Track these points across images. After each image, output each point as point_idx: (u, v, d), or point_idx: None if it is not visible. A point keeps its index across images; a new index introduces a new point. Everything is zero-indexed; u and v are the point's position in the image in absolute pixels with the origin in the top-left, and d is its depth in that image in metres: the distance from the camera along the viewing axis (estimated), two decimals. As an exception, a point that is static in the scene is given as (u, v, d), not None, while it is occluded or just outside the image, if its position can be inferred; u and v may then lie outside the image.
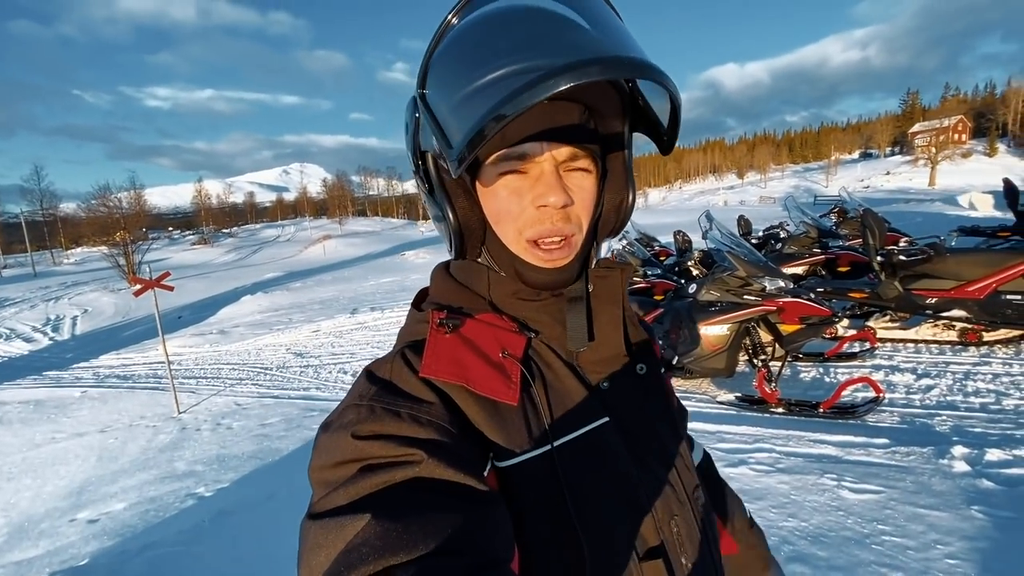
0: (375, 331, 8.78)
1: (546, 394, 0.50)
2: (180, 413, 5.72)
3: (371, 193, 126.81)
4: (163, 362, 6.97)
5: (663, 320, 4.30)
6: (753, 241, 7.81)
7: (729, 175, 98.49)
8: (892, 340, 4.76)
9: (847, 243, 6.63)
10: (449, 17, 0.48)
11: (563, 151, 0.49)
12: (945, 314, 4.38)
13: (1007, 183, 6.69)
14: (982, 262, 4.28)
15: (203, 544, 2.92)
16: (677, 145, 0.55)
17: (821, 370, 4.33)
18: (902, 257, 4.59)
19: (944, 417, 3.25)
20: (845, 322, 5.17)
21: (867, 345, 4.50)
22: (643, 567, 0.48)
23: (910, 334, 4.73)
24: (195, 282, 23.69)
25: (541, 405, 0.49)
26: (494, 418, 0.47)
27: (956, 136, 62.50)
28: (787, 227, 8.15)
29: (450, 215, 0.52)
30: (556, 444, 0.48)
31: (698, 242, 6.56)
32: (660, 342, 4.08)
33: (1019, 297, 4.07)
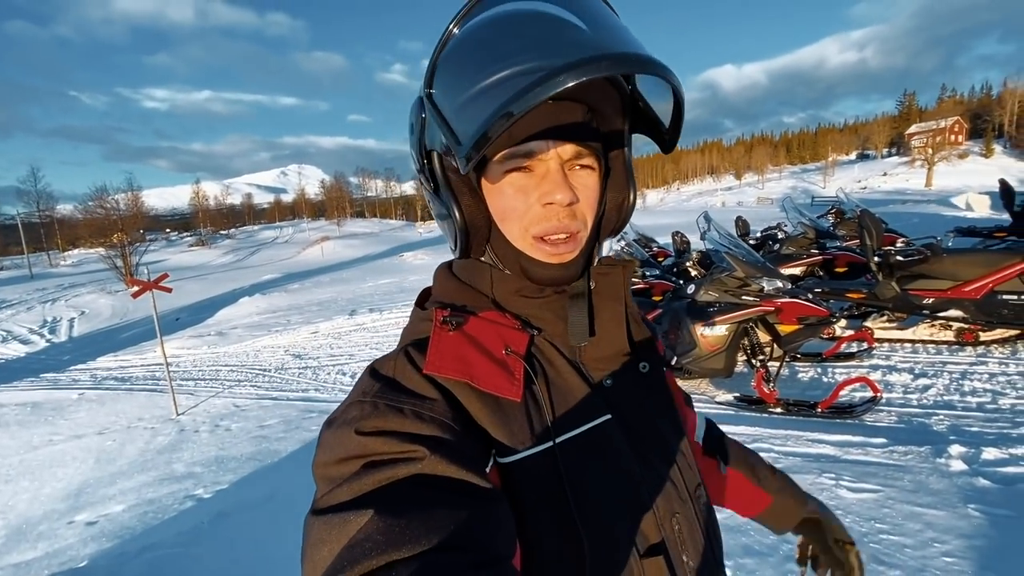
0: (373, 332, 8.77)
1: (548, 391, 0.51)
2: (178, 415, 5.71)
3: (369, 194, 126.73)
4: (161, 364, 6.95)
5: (661, 321, 4.31)
6: (751, 242, 7.83)
7: (727, 176, 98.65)
8: (889, 340, 4.78)
9: (844, 244, 6.65)
10: (457, 17, 0.49)
11: (568, 149, 0.50)
12: (942, 314, 4.40)
13: (1003, 184, 6.73)
14: (978, 262, 4.31)
15: (202, 546, 2.91)
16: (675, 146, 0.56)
17: (819, 370, 4.34)
18: (899, 258, 4.61)
19: (941, 416, 3.26)
20: (843, 322, 5.19)
21: (865, 345, 4.52)
22: (644, 564, 0.49)
23: (907, 334, 4.75)
24: (193, 284, 23.65)
25: (544, 402, 0.50)
26: (497, 414, 0.48)
27: (952, 137, 62.66)
28: (785, 228, 8.18)
29: (456, 213, 0.52)
30: (558, 441, 0.48)
31: (696, 243, 6.58)
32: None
33: (1015, 297, 4.09)
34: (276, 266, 30.85)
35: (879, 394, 3.40)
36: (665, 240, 8.41)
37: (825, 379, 4.17)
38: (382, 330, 8.82)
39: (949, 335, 4.56)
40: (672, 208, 49.41)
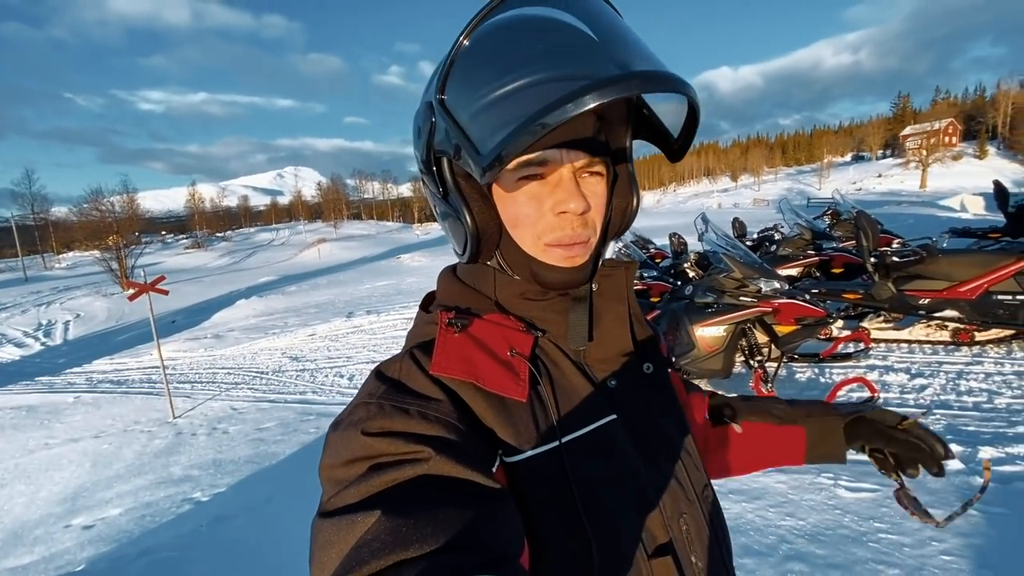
0: (371, 334, 8.75)
1: (553, 391, 0.51)
2: (175, 418, 5.68)
3: (366, 196, 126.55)
4: (157, 367, 6.92)
5: (660, 322, 4.32)
6: (748, 243, 7.85)
7: (723, 178, 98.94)
8: (886, 340, 4.80)
9: (841, 245, 6.68)
10: (473, 22, 0.48)
11: (580, 157, 0.50)
12: (938, 314, 4.42)
13: (997, 185, 6.78)
14: (974, 263, 4.33)
15: (201, 549, 2.90)
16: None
17: (816, 370, 4.35)
18: (895, 258, 4.64)
19: (938, 416, 3.28)
20: (839, 323, 5.20)
21: (861, 346, 4.54)
22: (652, 564, 0.49)
23: (904, 334, 4.77)
24: (189, 286, 23.56)
25: (549, 402, 0.50)
26: (502, 414, 0.48)
27: (946, 139, 63.07)
28: (781, 229, 8.22)
29: (468, 219, 0.52)
30: (564, 441, 0.49)
31: (693, 244, 6.60)
32: (657, 343, 4.09)
33: (1010, 297, 4.12)
34: (273, 268, 30.78)
35: (876, 394, 3.37)
36: (662, 242, 8.42)
37: (822, 379, 4.18)
38: (380, 332, 8.80)
39: (945, 335, 4.58)
40: (669, 210, 49.54)
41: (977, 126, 68.13)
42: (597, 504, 0.48)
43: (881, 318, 4.94)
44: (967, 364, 4.06)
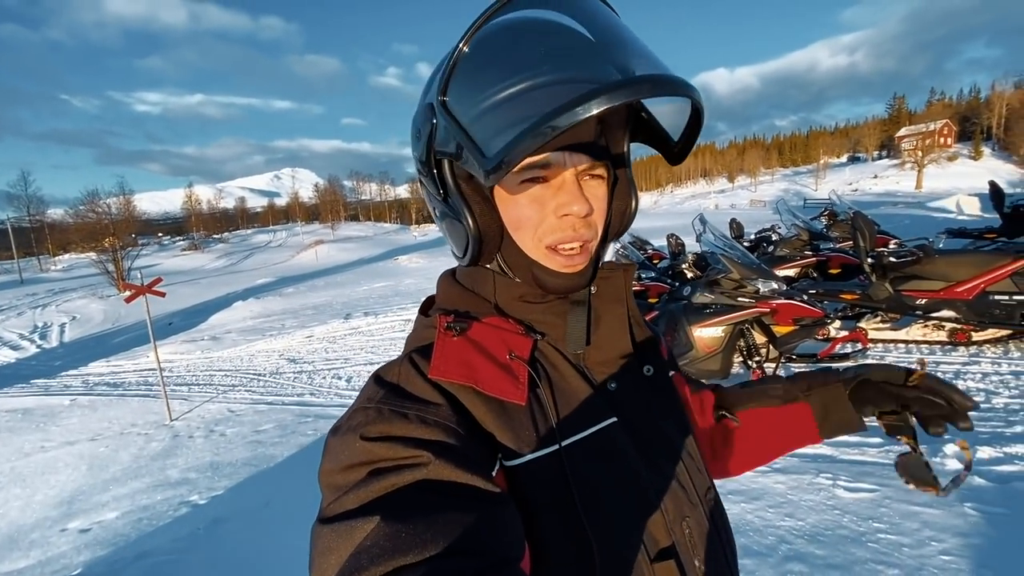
0: (369, 336, 8.73)
1: (553, 394, 0.51)
2: (172, 420, 5.66)
3: (363, 198, 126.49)
4: (154, 369, 6.89)
5: (658, 323, 4.33)
6: (745, 244, 7.87)
7: (720, 179, 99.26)
8: (883, 341, 4.81)
9: (838, 245, 6.70)
10: (476, 24, 0.47)
11: (583, 160, 0.50)
12: (935, 315, 4.44)
13: (993, 186, 6.82)
14: (970, 263, 4.35)
15: (198, 552, 2.89)
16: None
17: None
18: (892, 259, 4.65)
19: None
20: (837, 323, 5.21)
21: (859, 346, 4.55)
22: (655, 568, 0.49)
23: (901, 335, 4.79)
24: (186, 288, 23.48)
25: (548, 405, 0.50)
26: (502, 418, 0.48)
27: (942, 140, 63.39)
28: (778, 230, 8.24)
29: (469, 221, 0.51)
30: (564, 444, 0.48)
31: (691, 245, 6.61)
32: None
33: (1007, 297, 4.14)
34: (270, 270, 30.72)
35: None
36: (660, 243, 8.43)
37: (820, 380, 4.19)
38: (377, 334, 8.79)
39: (942, 335, 4.60)
40: (666, 211, 49.67)
41: (972, 127, 68.48)
42: (598, 507, 0.47)
43: (878, 318, 4.95)
44: (964, 364, 4.08)
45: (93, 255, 27.85)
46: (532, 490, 0.46)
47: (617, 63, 0.45)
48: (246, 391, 6.57)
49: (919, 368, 0.65)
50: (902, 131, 69.88)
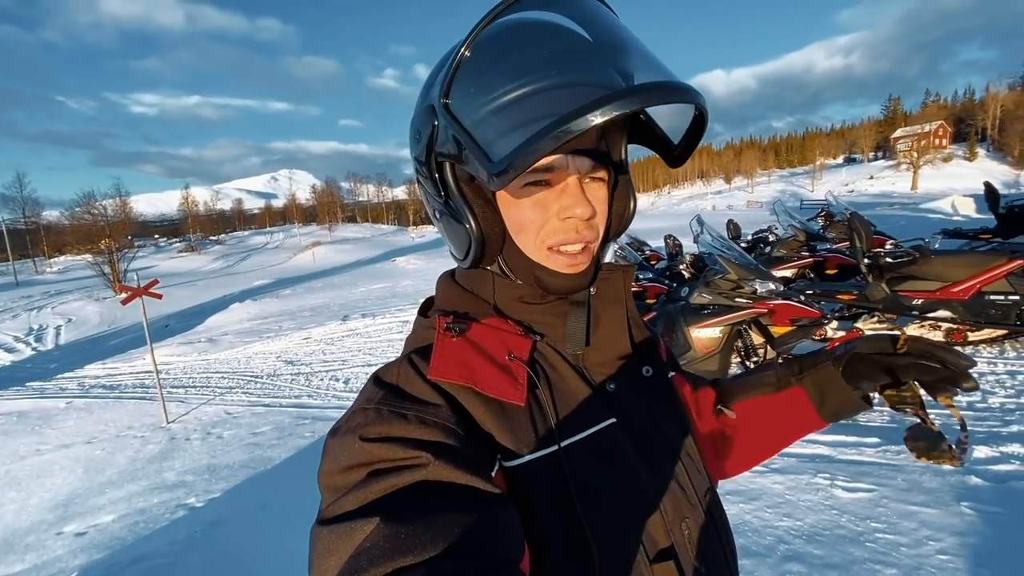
0: (366, 338, 8.71)
1: (552, 395, 0.51)
2: (169, 423, 5.63)
3: (361, 199, 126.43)
4: (150, 371, 6.86)
5: (656, 324, 4.33)
6: (742, 245, 7.89)
7: (717, 180, 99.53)
8: (880, 341, 4.83)
9: (834, 246, 6.72)
10: (480, 25, 0.47)
11: (585, 163, 0.50)
12: (931, 315, 4.46)
13: (988, 187, 6.85)
14: (966, 263, 4.37)
15: (195, 555, 2.87)
16: None
17: (811, 371, 4.37)
18: (888, 259, 4.67)
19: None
20: (834, 324, 5.22)
21: (869, 331, 4.56)
22: (654, 569, 0.48)
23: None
24: (182, 290, 23.41)
25: (548, 406, 0.50)
26: (501, 419, 0.48)
27: (937, 141, 63.77)
28: (775, 231, 8.26)
29: (472, 224, 0.51)
30: (563, 444, 0.48)
31: (688, 246, 6.62)
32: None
33: (1002, 297, 4.16)
34: (267, 272, 30.66)
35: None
36: (657, 243, 8.44)
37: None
38: (375, 335, 8.77)
39: (939, 335, 4.61)
40: (663, 212, 49.76)
41: (967, 128, 68.84)
42: (597, 508, 0.47)
43: (875, 319, 4.96)
44: (960, 364, 4.09)
45: (89, 257, 27.75)
46: (531, 491, 0.46)
47: (619, 67, 0.45)
48: (243, 393, 6.55)
49: (901, 336, 0.62)
50: (898, 132, 70.27)
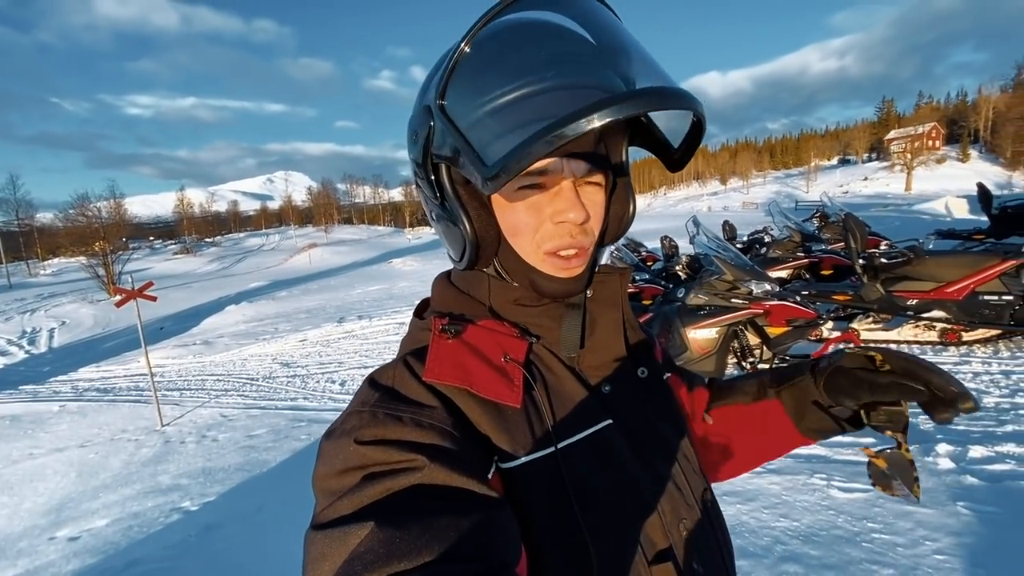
0: (363, 340, 8.69)
1: (548, 397, 0.51)
2: (163, 426, 5.59)
3: (357, 201, 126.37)
4: (145, 374, 6.82)
5: (652, 324, 4.34)
6: (738, 246, 7.92)
7: (712, 181, 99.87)
8: (875, 341, 4.85)
9: (829, 247, 6.76)
10: (478, 25, 0.46)
11: (581, 167, 0.49)
12: (926, 315, 4.49)
13: (981, 188, 6.91)
14: (960, 264, 4.40)
15: (190, 559, 2.85)
16: None
17: (807, 372, 4.39)
18: (883, 260, 4.70)
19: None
20: (829, 324, 5.26)
21: (851, 346, 4.58)
22: (652, 570, 0.48)
23: (892, 335, 4.83)
24: (177, 292, 23.30)
25: (544, 408, 0.50)
26: (497, 420, 0.47)
27: (930, 142, 64.32)
28: (771, 232, 8.30)
29: (467, 227, 0.51)
30: (560, 446, 0.48)
31: (684, 247, 6.64)
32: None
33: (996, 297, 4.19)
34: (263, 274, 30.56)
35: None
36: (654, 244, 8.47)
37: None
38: (371, 337, 8.75)
39: (933, 335, 4.64)
40: (660, 213, 49.91)
41: (960, 130, 69.36)
42: (595, 510, 0.47)
43: (870, 319, 4.99)
44: (955, 364, 4.12)
45: (83, 259, 27.60)
46: (528, 493, 0.46)
47: (620, 70, 0.45)
48: (239, 396, 6.52)
49: (876, 357, 0.57)
50: (891, 134, 70.83)
